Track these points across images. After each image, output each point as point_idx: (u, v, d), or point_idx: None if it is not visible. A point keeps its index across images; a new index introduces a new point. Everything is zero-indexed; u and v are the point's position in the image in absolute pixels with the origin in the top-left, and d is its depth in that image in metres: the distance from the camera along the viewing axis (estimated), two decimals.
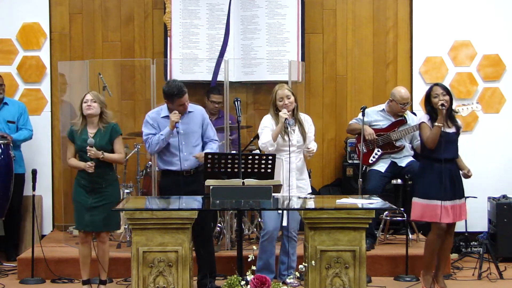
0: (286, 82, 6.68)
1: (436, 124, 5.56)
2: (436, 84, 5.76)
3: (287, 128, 5.77)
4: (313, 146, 5.89)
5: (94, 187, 5.57)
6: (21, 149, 7.14)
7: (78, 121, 5.64)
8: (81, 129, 5.60)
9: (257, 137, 6.84)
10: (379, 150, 6.79)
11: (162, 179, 5.92)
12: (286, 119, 5.70)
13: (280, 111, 5.76)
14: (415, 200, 5.74)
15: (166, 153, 5.74)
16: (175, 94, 5.61)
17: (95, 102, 5.58)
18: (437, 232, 5.67)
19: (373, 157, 6.79)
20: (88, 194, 5.57)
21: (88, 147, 5.48)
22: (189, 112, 5.78)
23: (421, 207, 5.67)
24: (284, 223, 5.80)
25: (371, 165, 6.80)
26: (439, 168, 5.60)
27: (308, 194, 5.81)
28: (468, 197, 6.60)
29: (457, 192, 5.69)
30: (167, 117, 5.70)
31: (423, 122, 5.71)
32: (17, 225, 7.22)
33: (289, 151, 5.67)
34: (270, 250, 5.86)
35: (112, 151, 5.64)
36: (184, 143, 5.68)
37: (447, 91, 5.65)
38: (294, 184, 5.76)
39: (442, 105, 5.55)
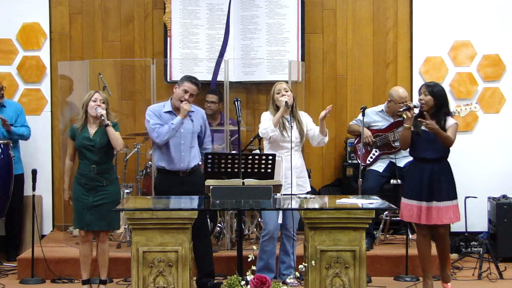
0: (286, 82, 6.68)
1: (404, 125, 5.55)
2: (424, 84, 5.72)
3: (288, 122, 5.78)
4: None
5: (94, 185, 5.56)
6: (20, 149, 7.13)
7: (80, 119, 5.62)
8: (81, 127, 5.59)
9: (257, 137, 6.86)
10: (377, 150, 6.80)
11: (157, 177, 5.89)
12: (286, 102, 5.71)
13: (278, 105, 5.79)
14: (402, 199, 5.73)
15: (164, 150, 5.72)
16: (186, 76, 5.73)
17: (103, 102, 5.59)
18: (419, 233, 5.65)
19: (371, 157, 6.80)
20: (88, 192, 5.56)
21: (100, 109, 5.52)
22: (192, 111, 5.78)
23: (402, 206, 5.66)
24: (280, 221, 5.80)
25: (369, 165, 6.81)
26: (419, 167, 5.57)
27: (308, 192, 5.81)
28: (468, 197, 6.63)
29: (436, 194, 5.51)
30: (169, 112, 5.71)
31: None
32: (17, 225, 7.22)
33: (291, 147, 5.70)
34: (271, 250, 5.85)
35: (111, 148, 5.65)
36: (182, 142, 5.69)
37: (431, 91, 5.54)
38: (294, 182, 5.76)
39: (408, 107, 5.51)
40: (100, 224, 5.58)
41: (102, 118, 5.51)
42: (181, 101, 5.66)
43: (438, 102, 5.55)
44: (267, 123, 5.79)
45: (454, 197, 5.59)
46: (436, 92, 5.55)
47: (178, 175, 5.70)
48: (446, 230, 5.67)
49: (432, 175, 5.52)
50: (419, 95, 5.61)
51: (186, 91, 5.65)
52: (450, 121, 5.58)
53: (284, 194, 5.56)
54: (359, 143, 6.66)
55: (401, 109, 5.60)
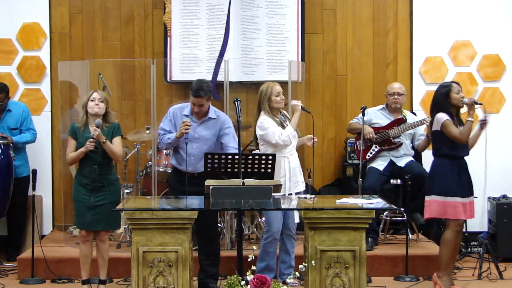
0: (286, 82, 6.69)
1: (468, 119, 5.52)
2: (454, 82, 5.74)
3: (283, 121, 5.80)
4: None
5: (96, 185, 5.55)
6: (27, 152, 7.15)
7: (81, 118, 5.62)
8: (83, 127, 5.59)
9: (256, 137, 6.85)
10: (377, 146, 6.81)
11: (171, 176, 5.99)
12: (301, 106, 5.73)
13: (275, 107, 5.78)
14: (433, 198, 5.59)
15: (178, 152, 5.76)
16: (192, 89, 5.61)
17: (102, 101, 5.57)
18: (455, 229, 5.62)
19: (370, 153, 6.81)
20: (89, 193, 5.55)
21: (94, 127, 5.45)
22: (211, 118, 5.73)
23: (441, 204, 5.57)
24: (297, 220, 5.80)
25: (369, 162, 6.81)
26: (458, 165, 5.62)
27: (303, 191, 5.83)
28: None
29: (471, 189, 5.71)
30: (187, 116, 5.69)
31: (446, 119, 5.51)
32: (20, 226, 7.20)
33: (312, 146, 5.77)
34: (273, 252, 5.84)
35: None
36: (194, 147, 5.68)
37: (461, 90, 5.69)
38: (300, 179, 5.79)
39: (474, 101, 5.58)
40: (100, 224, 5.58)
41: (93, 139, 5.43)
42: (193, 112, 5.67)
43: None
44: (280, 129, 5.72)
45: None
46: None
47: (186, 176, 5.70)
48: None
49: (466, 171, 5.68)
50: (457, 93, 5.60)
51: (194, 104, 5.64)
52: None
53: (295, 193, 5.65)
54: (360, 140, 6.66)
55: (469, 102, 5.56)
